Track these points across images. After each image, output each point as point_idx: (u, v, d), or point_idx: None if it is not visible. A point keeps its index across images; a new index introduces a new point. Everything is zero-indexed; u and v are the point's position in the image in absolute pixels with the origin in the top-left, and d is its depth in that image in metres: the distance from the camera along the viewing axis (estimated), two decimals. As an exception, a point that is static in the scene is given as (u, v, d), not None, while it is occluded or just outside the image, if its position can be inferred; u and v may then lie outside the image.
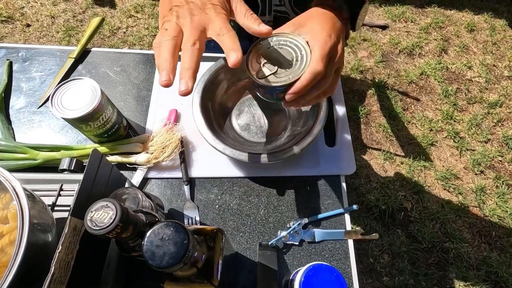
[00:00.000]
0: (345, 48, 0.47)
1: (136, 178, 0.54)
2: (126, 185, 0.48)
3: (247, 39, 0.65)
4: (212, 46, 0.69)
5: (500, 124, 1.58)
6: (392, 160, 1.45)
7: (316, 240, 0.51)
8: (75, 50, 0.67)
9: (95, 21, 0.70)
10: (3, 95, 0.61)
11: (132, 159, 0.54)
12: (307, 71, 0.38)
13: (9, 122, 0.59)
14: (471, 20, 1.94)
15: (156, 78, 0.65)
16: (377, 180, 1.39)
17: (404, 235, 1.28)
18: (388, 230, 1.29)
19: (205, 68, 0.59)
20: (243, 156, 0.51)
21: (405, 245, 1.25)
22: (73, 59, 0.66)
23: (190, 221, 0.52)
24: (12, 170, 0.51)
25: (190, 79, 0.32)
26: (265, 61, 0.41)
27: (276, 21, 0.62)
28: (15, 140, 0.57)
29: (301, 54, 0.40)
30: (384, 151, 1.47)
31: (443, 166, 1.45)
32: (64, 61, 0.66)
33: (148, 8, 1.91)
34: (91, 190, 0.38)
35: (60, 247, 0.32)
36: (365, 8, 0.46)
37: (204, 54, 0.69)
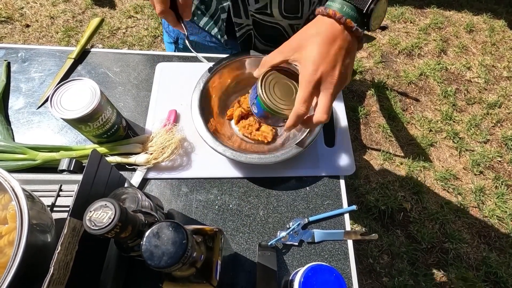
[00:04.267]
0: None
1: (135, 178, 0.54)
2: (126, 186, 0.48)
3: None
4: (210, 47, 0.70)
5: (499, 124, 1.58)
6: (392, 161, 1.46)
7: (316, 241, 0.51)
8: (75, 50, 0.67)
9: (95, 21, 0.70)
10: (1, 95, 0.61)
11: (132, 159, 0.54)
12: (292, 114, 0.41)
13: (8, 122, 0.59)
14: (470, 21, 1.94)
15: (156, 78, 0.65)
16: (376, 181, 1.39)
17: (403, 236, 1.28)
18: (387, 231, 1.29)
19: (204, 69, 0.59)
20: (243, 158, 0.51)
21: (404, 245, 1.25)
22: (72, 60, 0.66)
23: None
24: (11, 170, 0.51)
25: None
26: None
27: (258, 28, 0.59)
28: (14, 140, 0.57)
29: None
30: (383, 151, 1.47)
31: (442, 166, 1.45)
32: (64, 62, 0.66)
33: (148, 8, 1.91)
34: (90, 191, 0.38)
35: (59, 248, 0.32)
36: (379, 7, 0.39)
37: (202, 55, 0.68)
